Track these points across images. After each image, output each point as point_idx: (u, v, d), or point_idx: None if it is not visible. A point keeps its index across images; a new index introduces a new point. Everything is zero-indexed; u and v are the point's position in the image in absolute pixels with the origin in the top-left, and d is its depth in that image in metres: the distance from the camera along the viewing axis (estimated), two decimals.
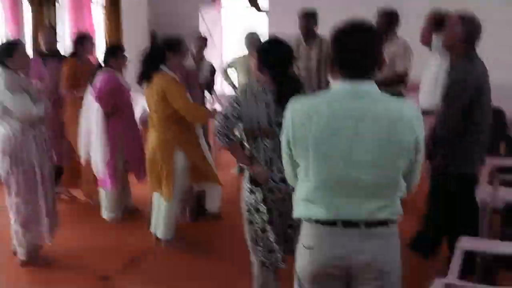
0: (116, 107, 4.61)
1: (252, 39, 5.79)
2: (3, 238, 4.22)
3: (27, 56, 3.96)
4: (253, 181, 2.94)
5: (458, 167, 3.44)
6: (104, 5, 8.25)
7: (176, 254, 4.17)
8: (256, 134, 2.89)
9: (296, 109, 2.02)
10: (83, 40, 5.22)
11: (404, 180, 2.00)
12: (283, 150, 2.13)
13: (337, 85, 1.98)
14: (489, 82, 3.37)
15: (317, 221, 1.99)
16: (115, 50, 4.74)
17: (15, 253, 4.01)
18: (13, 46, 3.82)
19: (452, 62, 3.49)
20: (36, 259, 3.98)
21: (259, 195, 2.92)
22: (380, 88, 1.99)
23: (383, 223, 1.97)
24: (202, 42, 6.10)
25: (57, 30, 7.22)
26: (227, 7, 10.84)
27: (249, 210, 2.96)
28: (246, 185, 2.98)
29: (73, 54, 5.19)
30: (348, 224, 1.95)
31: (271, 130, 2.86)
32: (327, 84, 5.64)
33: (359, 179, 1.92)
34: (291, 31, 6.63)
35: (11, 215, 3.88)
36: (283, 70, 2.90)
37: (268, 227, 2.93)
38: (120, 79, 4.67)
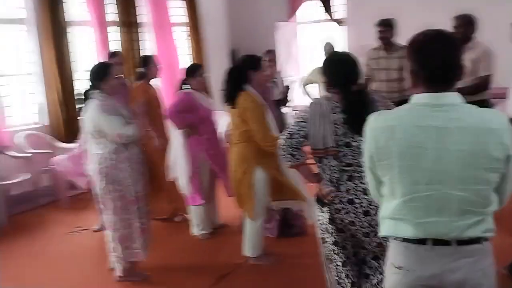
0: (191, 125, 4.75)
1: (329, 48, 5.80)
2: (101, 256, 4.42)
3: (119, 79, 4.17)
4: (320, 200, 2.88)
5: None
6: (187, 26, 8.52)
7: (265, 270, 4.19)
8: (321, 154, 2.80)
9: (378, 123, 1.97)
10: (147, 63, 5.38)
11: (496, 194, 1.92)
12: (366, 167, 2.08)
13: (419, 97, 1.92)
14: None
15: (406, 240, 1.93)
16: (194, 70, 4.86)
17: (112, 270, 4.18)
18: (107, 69, 3.98)
19: None
20: (132, 275, 4.14)
21: (326, 215, 2.85)
22: (463, 97, 1.91)
23: (475, 241, 1.89)
24: (272, 56, 6.09)
25: (141, 53, 7.62)
26: (303, 21, 10.89)
27: (321, 229, 2.91)
28: (315, 203, 2.95)
29: (141, 78, 5.40)
30: (438, 242, 1.89)
31: (337, 151, 2.76)
32: (409, 93, 5.52)
33: (447, 194, 1.85)
34: (369, 41, 6.59)
35: (108, 233, 4.06)
36: (348, 87, 2.77)
37: (336, 249, 2.87)
38: (197, 98, 4.76)
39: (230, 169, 4.25)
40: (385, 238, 2.08)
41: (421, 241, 1.91)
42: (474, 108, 1.89)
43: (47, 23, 6.46)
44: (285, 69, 10.21)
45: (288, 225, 4.79)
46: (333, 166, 2.79)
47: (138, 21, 7.59)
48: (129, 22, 7.38)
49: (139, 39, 7.63)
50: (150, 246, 4.19)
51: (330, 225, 2.85)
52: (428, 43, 1.90)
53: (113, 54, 5.79)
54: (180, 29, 8.62)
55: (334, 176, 2.79)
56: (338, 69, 2.84)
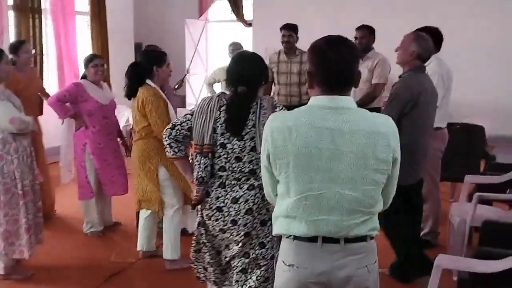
0: (75, 116, 4.65)
1: (235, 49, 5.85)
2: None
3: (10, 66, 3.93)
4: (190, 200, 2.90)
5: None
6: (90, 15, 8.22)
7: (157, 270, 4.13)
8: (198, 150, 2.72)
9: (276, 123, 2.00)
10: (17, 49, 4.92)
11: (381, 194, 2.03)
12: (262, 166, 2.10)
13: (317, 100, 2.00)
14: (429, 99, 3.49)
15: (297, 238, 1.98)
16: (89, 60, 4.69)
17: None
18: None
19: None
20: (15, 272, 3.93)
21: (198, 218, 2.84)
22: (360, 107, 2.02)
23: (362, 239, 1.98)
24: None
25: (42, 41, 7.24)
26: (212, 20, 10.93)
27: (196, 227, 2.90)
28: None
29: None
30: (328, 240, 1.96)
31: (212, 149, 2.68)
32: (308, 97, 5.68)
33: (339, 194, 1.92)
34: (275, 44, 6.71)
35: None
36: (240, 87, 2.68)
37: (205, 249, 2.87)
38: (88, 89, 4.59)
39: (132, 166, 4.15)
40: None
41: (312, 239, 1.97)
42: (366, 112, 2.01)
43: None
44: (192, 66, 10.21)
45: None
46: (201, 164, 2.69)
47: (39, 7, 7.20)
48: (28, 7, 6.98)
49: (39, 26, 7.24)
50: (38, 244, 4.01)
51: (202, 228, 2.84)
52: (328, 48, 1.97)
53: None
54: (82, 18, 8.30)
55: (200, 174, 2.71)
56: (235, 67, 2.78)
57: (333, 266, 1.96)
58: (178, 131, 2.79)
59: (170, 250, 4.05)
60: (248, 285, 2.75)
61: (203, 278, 2.98)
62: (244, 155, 2.66)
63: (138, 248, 4.25)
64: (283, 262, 2.04)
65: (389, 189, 2.07)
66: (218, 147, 2.68)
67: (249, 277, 2.76)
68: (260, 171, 2.35)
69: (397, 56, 3.63)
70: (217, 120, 2.68)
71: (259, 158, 2.32)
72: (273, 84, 5.76)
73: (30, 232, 3.86)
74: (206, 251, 2.87)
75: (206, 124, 2.68)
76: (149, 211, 4.10)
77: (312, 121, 1.94)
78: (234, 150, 2.66)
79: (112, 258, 4.33)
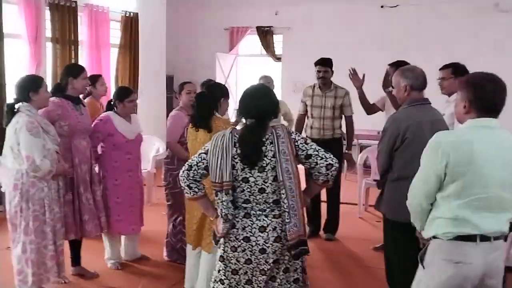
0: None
1: (265, 82, 5.88)
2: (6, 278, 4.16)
3: (49, 93, 3.98)
4: (214, 236, 2.83)
5: (384, 209, 3.58)
6: (123, 48, 8.41)
7: None
8: (218, 188, 2.70)
9: (450, 140, 2.41)
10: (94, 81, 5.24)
11: None
12: (430, 173, 2.43)
13: (477, 121, 2.43)
14: (423, 133, 3.25)
15: (463, 237, 2.36)
16: (128, 94, 4.64)
17: None
18: (38, 81, 3.84)
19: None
20: None
21: (219, 252, 2.82)
22: None
23: (503, 236, 2.44)
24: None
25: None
26: (242, 54, 11.08)
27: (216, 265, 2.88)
28: (212, 239, 2.92)
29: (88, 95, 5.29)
30: (483, 238, 2.36)
31: (232, 186, 2.68)
32: (341, 131, 5.70)
33: (503, 197, 2.37)
34: (303, 78, 6.77)
35: (16, 255, 3.82)
36: (253, 120, 2.72)
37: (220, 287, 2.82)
38: (115, 122, 4.54)
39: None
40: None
41: (473, 238, 2.37)
42: (505, 129, 2.48)
43: None
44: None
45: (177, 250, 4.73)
46: (224, 201, 2.70)
47: (75, 39, 7.40)
48: (65, 39, 7.19)
49: (75, 57, 7.43)
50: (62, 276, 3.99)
51: (222, 263, 2.81)
52: (487, 80, 2.45)
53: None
54: (116, 50, 8.49)
55: (224, 212, 2.70)
56: (244, 101, 2.83)
57: (488, 262, 2.37)
58: (195, 171, 2.77)
59: (203, 284, 3.89)
60: None
61: None
62: (268, 186, 2.69)
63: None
64: (445, 260, 2.39)
65: None
66: (241, 182, 2.71)
67: None
68: (284, 202, 2.62)
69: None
70: (235, 157, 2.69)
71: (282, 187, 2.62)
72: (306, 117, 5.76)
73: (58, 258, 3.87)
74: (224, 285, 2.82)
75: (224, 162, 2.68)
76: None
77: (480, 137, 2.39)
78: (257, 183, 2.69)
79: None
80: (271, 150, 2.67)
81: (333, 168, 2.72)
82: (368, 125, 7.13)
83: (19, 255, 3.80)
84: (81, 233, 4.33)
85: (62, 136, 4.10)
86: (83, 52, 7.71)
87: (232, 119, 6.42)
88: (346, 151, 5.76)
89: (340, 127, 5.70)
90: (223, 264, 2.81)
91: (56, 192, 3.89)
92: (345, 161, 5.81)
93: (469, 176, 2.35)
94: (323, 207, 5.76)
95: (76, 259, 4.46)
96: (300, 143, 2.73)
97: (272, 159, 2.67)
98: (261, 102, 2.79)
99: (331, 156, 2.75)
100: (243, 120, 2.85)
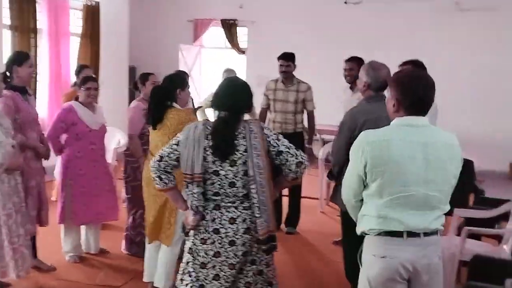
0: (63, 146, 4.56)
1: (229, 75, 5.88)
2: None
3: (3, 85, 3.85)
4: (184, 228, 2.84)
5: (338, 201, 3.59)
6: (84, 37, 8.25)
7: None
8: (189, 179, 2.72)
9: (372, 138, 2.40)
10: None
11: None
12: (353, 174, 2.44)
13: (401, 120, 2.41)
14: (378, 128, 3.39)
15: (388, 233, 2.37)
16: (86, 81, 4.57)
17: None
18: None
19: None
20: None
21: (188, 244, 2.82)
22: None
23: (436, 232, 2.42)
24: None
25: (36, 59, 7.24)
26: (207, 46, 11.02)
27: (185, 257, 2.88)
28: (181, 231, 2.95)
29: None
30: (412, 234, 2.36)
31: (203, 178, 2.69)
32: (302, 125, 5.73)
33: (427, 195, 2.35)
34: (267, 72, 6.78)
35: None
36: (226, 112, 2.75)
37: (187, 279, 2.81)
38: (79, 112, 4.46)
39: (149, 193, 3.89)
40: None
41: (399, 234, 2.37)
42: (438, 128, 2.49)
43: None
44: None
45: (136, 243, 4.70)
46: (195, 193, 2.71)
47: (34, 27, 7.22)
48: (24, 27, 7.01)
49: (35, 45, 7.24)
50: (26, 269, 3.86)
51: (190, 255, 2.81)
52: (411, 78, 2.44)
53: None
54: (76, 40, 8.32)
55: (195, 204, 2.72)
56: (218, 93, 2.85)
57: (416, 256, 2.36)
58: (166, 162, 2.77)
59: (161, 278, 3.91)
60: None
61: None
62: (238, 180, 2.70)
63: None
64: (373, 255, 2.42)
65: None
66: (212, 175, 2.70)
67: (253, 286, 2.83)
68: (253, 197, 2.63)
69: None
70: (206, 149, 2.69)
71: (252, 182, 2.63)
72: (268, 111, 5.77)
73: (17, 254, 3.76)
74: (188, 282, 2.81)
75: (196, 153, 2.68)
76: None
77: (403, 135, 2.37)
78: (228, 176, 2.69)
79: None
80: (243, 145, 2.69)
81: (303, 166, 2.76)
82: (330, 120, 7.21)
83: None
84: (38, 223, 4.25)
85: (15, 129, 3.95)
86: (42, 41, 7.53)
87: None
88: (307, 145, 5.81)
89: (302, 121, 5.75)
90: (192, 256, 2.80)
91: (13, 186, 3.76)
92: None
93: (388, 176, 2.34)
94: (285, 201, 5.80)
95: (32, 252, 4.35)
96: (272, 140, 2.75)
97: (244, 153, 2.68)
98: (236, 95, 2.81)
99: (302, 153, 2.77)
100: (216, 113, 2.84)
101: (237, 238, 2.72)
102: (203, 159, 2.68)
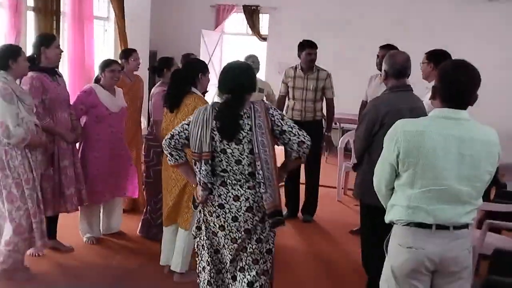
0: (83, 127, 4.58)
1: (251, 61, 5.84)
2: None
3: (27, 64, 3.88)
4: (194, 201, 2.98)
5: (357, 192, 3.68)
6: (107, 21, 8.27)
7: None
8: (197, 157, 2.85)
9: (407, 128, 2.38)
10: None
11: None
12: (385, 162, 2.46)
13: (440, 112, 2.38)
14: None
15: (417, 224, 2.37)
16: (109, 64, 4.61)
17: None
18: (17, 50, 3.77)
19: None
20: (17, 272, 3.89)
21: (200, 214, 2.97)
22: None
23: (466, 226, 2.39)
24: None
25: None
26: (228, 32, 10.99)
27: (196, 225, 3.03)
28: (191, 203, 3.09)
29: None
30: (441, 227, 2.35)
31: (210, 156, 2.81)
32: (322, 114, 5.69)
33: (459, 190, 2.32)
34: (287, 59, 6.73)
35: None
36: (230, 94, 2.84)
37: (206, 249, 2.99)
38: (99, 95, 4.52)
39: (168, 177, 3.92)
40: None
41: (428, 226, 2.36)
42: (477, 123, 2.40)
43: None
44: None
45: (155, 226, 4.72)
46: (203, 170, 2.83)
47: (58, 9, 7.24)
48: (47, 9, 7.03)
49: (57, 28, 7.27)
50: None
51: (203, 225, 2.96)
52: (456, 69, 2.36)
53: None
54: (99, 23, 8.34)
55: (203, 180, 2.83)
56: (222, 77, 2.94)
57: (443, 249, 2.35)
58: (177, 141, 2.93)
59: (178, 262, 3.95)
60: (248, 280, 2.91)
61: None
62: (244, 158, 2.80)
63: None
64: (400, 245, 2.42)
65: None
66: (219, 153, 2.83)
67: (247, 274, 2.92)
68: (259, 173, 2.75)
69: None
70: (214, 129, 2.81)
71: (257, 159, 2.73)
72: (286, 98, 5.74)
73: (40, 222, 3.83)
74: (205, 248, 2.98)
75: (203, 133, 2.81)
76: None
77: (440, 128, 2.33)
78: (234, 154, 2.81)
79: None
80: (248, 124, 2.78)
81: (305, 146, 2.82)
82: (350, 109, 7.15)
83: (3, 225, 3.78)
84: (63, 207, 4.28)
85: (45, 110, 4.06)
86: (65, 24, 7.55)
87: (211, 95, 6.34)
88: (326, 133, 5.77)
89: (321, 109, 5.69)
90: (204, 226, 2.96)
91: (32, 163, 3.81)
92: (324, 143, 5.82)
93: (420, 167, 2.33)
94: (302, 189, 5.78)
95: (51, 232, 4.40)
96: (277, 119, 2.83)
97: (249, 132, 2.78)
98: (237, 78, 2.89)
99: (305, 133, 2.85)
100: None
101: (239, 215, 2.83)
102: (211, 139, 2.81)
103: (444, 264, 2.39)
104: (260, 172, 2.76)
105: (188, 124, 2.90)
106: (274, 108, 2.90)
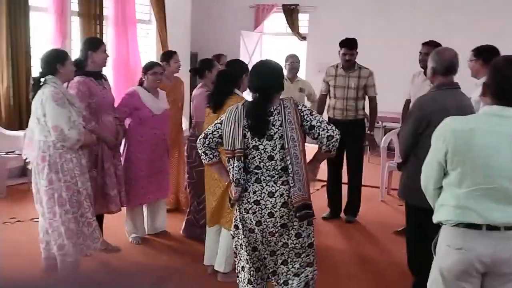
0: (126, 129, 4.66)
1: (293, 61, 5.83)
2: (32, 249, 4.24)
3: (74, 68, 3.96)
4: (229, 199, 3.03)
5: (402, 193, 3.62)
6: (148, 24, 8.40)
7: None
8: (230, 155, 2.92)
9: (455, 126, 2.34)
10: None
11: None
12: (433, 161, 2.42)
13: (490, 109, 2.32)
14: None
15: (467, 225, 2.31)
16: (152, 66, 4.70)
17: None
18: (64, 54, 3.85)
19: None
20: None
21: (237, 213, 3.01)
22: None
23: None
24: (223, 60, 5.94)
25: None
26: (268, 33, 10.99)
27: (234, 224, 3.09)
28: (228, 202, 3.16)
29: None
30: (491, 227, 2.28)
31: (243, 153, 2.89)
32: (364, 112, 5.61)
33: (510, 189, 2.25)
34: (328, 58, 6.68)
35: (44, 226, 3.87)
36: (258, 94, 2.93)
37: (244, 246, 3.03)
38: (142, 97, 4.60)
39: (211, 178, 3.94)
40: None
41: (478, 227, 2.30)
42: None
43: (1, 6, 6.22)
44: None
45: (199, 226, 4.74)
46: (235, 167, 2.90)
47: (100, 13, 7.41)
48: (90, 14, 7.21)
49: (100, 32, 7.45)
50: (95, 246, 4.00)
51: (240, 223, 3.00)
52: (508, 65, 2.31)
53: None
54: (141, 26, 8.48)
55: (236, 177, 2.90)
56: (250, 76, 3.04)
57: (495, 250, 2.29)
58: (211, 139, 3.03)
59: (222, 262, 3.98)
60: (293, 273, 3.00)
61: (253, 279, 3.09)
62: (276, 153, 2.88)
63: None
64: (449, 246, 2.37)
65: None
66: (252, 150, 2.91)
67: (291, 267, 3.00)
68: (292, 168, 2.80)
69: None
70: (245, 127, 2.91)
71: (288, 153, 2.80)
72: (328, 97, 5.69)
73: (93, 227, 3.90)
74: (244, 246, 3.03)
75: (236, 131, 2.91)
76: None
77: (490, 125, 2.27)
78: (266, 150, 2.89)
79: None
80: (279, 120, 2.87)
81: (334, 139, 2.89)
82: (392, 107, 7.04)
83: (46, 227, 3.84)
84: (105, 208, 4.37)
85: (91, 114, 4.16)
86: (108, 28, 7.72)
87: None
88: (369, 132, 5.69)
89: (363, 108, 5.61)
90: (241, 224, 3.01)
91: (84, 164, 3.89)
92: (367, 142, 5.75)
93: (469, 166, 2.28)
94: (345, 189, 5.73)
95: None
96: (306, 114, 2.92)
97: (280, 128, 2.86)
98: (263, 77, 2.97)
99: (333, 128, 2.91)
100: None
101: (275, 211, 2.89)
102: (243, 136, 2.90)
103: (496, 265, 2.32)
104: (290, 166, 2.83)
105: (220, 123, 2.99)
106: (303, 104, 2.98)
